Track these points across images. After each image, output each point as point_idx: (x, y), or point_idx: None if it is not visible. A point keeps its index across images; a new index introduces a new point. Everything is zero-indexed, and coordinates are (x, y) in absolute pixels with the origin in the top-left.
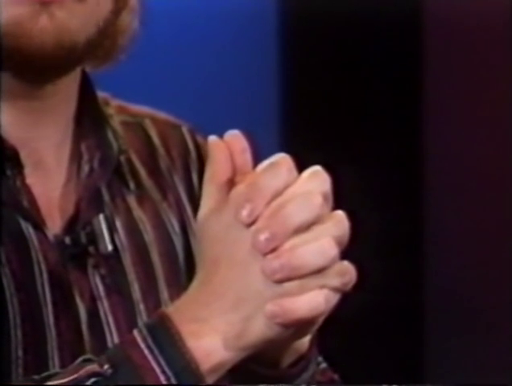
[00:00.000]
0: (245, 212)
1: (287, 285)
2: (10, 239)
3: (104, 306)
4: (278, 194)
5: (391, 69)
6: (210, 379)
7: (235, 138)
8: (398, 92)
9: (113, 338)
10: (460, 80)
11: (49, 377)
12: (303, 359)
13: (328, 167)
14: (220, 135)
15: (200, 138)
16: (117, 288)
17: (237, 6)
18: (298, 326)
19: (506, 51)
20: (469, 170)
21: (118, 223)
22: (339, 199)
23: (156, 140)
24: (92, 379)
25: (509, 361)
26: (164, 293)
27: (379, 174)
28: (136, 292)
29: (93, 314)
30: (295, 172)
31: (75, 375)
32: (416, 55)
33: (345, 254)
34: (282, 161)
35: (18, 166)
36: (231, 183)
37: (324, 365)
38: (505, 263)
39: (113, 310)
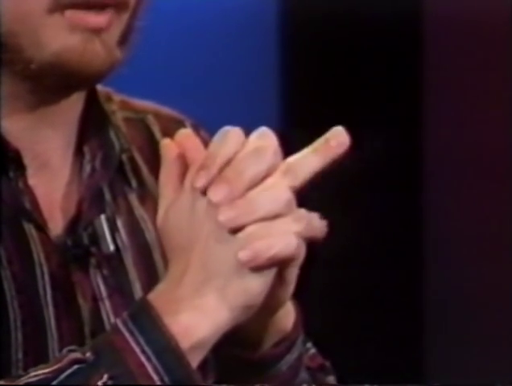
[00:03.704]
0: (200, 179)
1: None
2: (12, 240)
3: (106, 307)
4: (230, 159)
5: (391, 69)
6: (192, 358)
7: (186, 137)
8: (398, 91)
9: None
10: (460, 79)
11: (34, 371)
12: (286, 340)
13: (327, 165)
14: None
15: (203, 133)
16: (119, 288)
17: (237, 6)
18: (274, 285)
19: (506, 51)
20: (469, 167)
21: (120, 223)
22: (337, 196)
23: (159, 136)
24: (75, 367)
25: (509, 361)
26: None
27: (379, 173)
28: (138, 292)
29: (95, 314)
30: (244, 139)
31: (58, 365)
32: (416, 54)
33: (345, 254)
34: (231, 130)
35: (20, 167)
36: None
37: (313, 351)
38: (505, 262)
39: (115, 310)
